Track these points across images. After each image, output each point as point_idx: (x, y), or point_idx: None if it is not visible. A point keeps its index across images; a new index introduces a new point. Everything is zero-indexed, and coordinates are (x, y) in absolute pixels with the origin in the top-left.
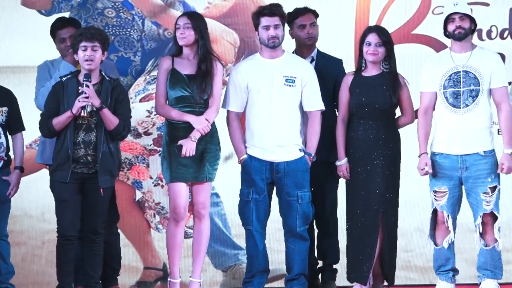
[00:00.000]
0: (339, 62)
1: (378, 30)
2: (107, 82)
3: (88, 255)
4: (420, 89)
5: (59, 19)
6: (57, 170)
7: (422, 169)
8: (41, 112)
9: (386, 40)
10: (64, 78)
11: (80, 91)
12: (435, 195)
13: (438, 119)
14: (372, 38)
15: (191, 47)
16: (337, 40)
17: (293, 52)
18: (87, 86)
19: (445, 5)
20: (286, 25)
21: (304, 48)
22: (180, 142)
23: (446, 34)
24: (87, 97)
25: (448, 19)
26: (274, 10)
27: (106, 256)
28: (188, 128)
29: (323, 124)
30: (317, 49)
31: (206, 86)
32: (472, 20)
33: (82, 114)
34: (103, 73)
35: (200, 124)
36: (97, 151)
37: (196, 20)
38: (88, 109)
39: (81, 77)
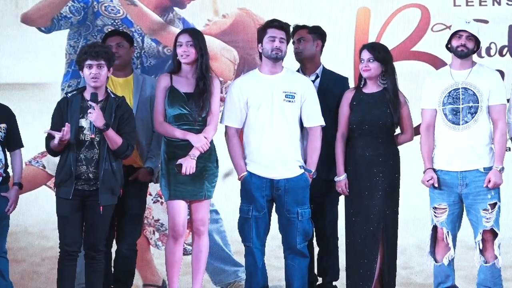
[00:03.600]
0: (344, 80)
1: (370, 46)
2: (112, 99)
3: (87, 272)
4: (421, 106)
5: (112, 30)
6: (60, 186)
7: (427, 181)
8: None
9: (380, 55)
10: (69, 94)
11: (88, 111)
12: (435, 212)
13: (437, 136)
14: (364, 54)
15: (191, 65)
16: (337, 57)
17: (297, 70)
18: (93, 108)
19: (457, 19)
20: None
21: (303, 64)
22: (179, 160)
23: (448, 46)
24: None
25: (455, 34)
26: (283, 24)
27: (120, 270)
28: (186, 146)
29: (325, 142)
30: (323, 66)
31: (204, 103)
32: (477, 42)
33: (91, 135)
34: (109, 91)
35: (199, 142)
36: (99, 168)
37: (198, 37)
38: (97, 124)
39: (86, 94)
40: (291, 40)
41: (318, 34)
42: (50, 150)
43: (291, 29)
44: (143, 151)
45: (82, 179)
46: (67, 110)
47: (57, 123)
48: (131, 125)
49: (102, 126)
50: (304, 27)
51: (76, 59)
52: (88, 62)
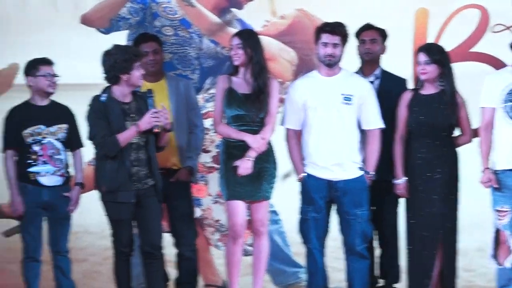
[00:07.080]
0: (403, 81)
1: (427, 48)
2: (140, 95)
3: (149, 273)
4: (480, 104)
5: (142, 34)
6: (120, 190)
7: (486, 183)
8: (93, 134)
9: (437, 58)
10: (102, 98)
11: (155, 110)
12: (497, 214)
13: (498, 135)
14: (421, 57)
15: (246, 66)
16: (395, 58)
17: (357, 71)
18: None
19: None
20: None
21: (364, 65)
22: (236, 162)
23: None
24: (157, 116)
25: None
26: (336, 28)
27: (185, 272)
28: (244, 146)
29: (384, 143)
30: (382, 68)
31: (261, 104)
32: None
33: (155, 130)
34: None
35: (256, 143)
36: (152, 169)
37: (247, 39)
38: (168, 126)
39: (118, 95)
40: (362, 39)
41: (385, 37)
42: (115, 146)
43: (361, 27)
44: (182, 152)
45: (134, 180)
46: (108, 113)
47: (105, 125)
48: None
49: (170, 126)
50: (376, 28)
51: (122, 64)
52: (138, 63)
